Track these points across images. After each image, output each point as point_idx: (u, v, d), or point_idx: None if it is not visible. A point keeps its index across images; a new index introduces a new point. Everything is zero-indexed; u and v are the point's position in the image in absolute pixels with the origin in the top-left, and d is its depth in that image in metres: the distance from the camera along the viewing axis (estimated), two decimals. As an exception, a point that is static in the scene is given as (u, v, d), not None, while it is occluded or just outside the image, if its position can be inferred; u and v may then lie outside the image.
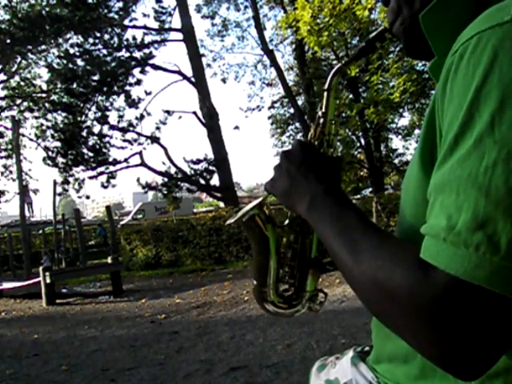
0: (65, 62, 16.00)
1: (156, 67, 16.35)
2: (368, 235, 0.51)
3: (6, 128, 18.68)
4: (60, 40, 16.03)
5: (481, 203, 0.41)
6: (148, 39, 16.44)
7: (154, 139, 16.16)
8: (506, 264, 0.40)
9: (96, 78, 15.66)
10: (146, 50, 16.32)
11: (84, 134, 16.03)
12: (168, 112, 16.67)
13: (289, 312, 0.77)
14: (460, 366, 0.43)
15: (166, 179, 15.63)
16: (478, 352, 0.42)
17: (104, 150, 15.90)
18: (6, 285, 9.99)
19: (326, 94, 0.75)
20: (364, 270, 0.49)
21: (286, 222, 0.75)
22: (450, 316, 0.42)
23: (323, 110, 0.75)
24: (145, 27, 16.42)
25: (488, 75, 0.43)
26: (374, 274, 0.47)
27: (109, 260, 9.64)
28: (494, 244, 0.40)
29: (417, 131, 19.02)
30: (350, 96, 17.37)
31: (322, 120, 0.75)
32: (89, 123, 16.31)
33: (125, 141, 16.06)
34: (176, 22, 54.04)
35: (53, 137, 16.37)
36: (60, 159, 15.91)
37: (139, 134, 16.16)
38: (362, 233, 0.52)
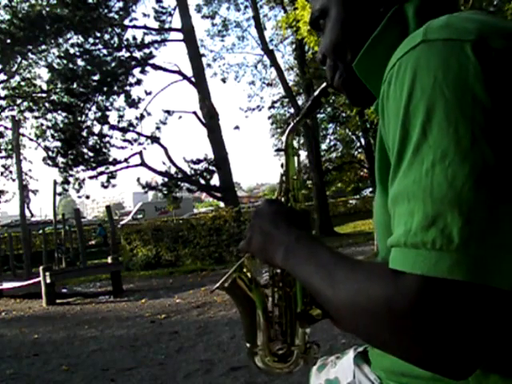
0: (65, 62, 16.00)
1: (156, 67, 16.35)
2: (340, 266, 0.53)
3: (6, 128, 18.70)
4: (60, 40, 16.03)
5: (428, 202, 0.44)
6: (148, 39, 16.46)
7: (154, 139, 16.15)
8: (463, 252, 0.42)
9: (96, 77, 15.66)
10: (146, 50, 16.33)
11: (84, 134, 16.02)
12: (168, 112, 16.68)
13: (286, 369, 0.77)
14: (448, 365, 0.44)
15: (166, 179, 15.63)
16: (461, 347, 0.42)
17: (104, 150, 15.89)
18: (6, 285, 9.98)
19: (284, 153, 0.79)
20: (342, 298, 0.50)
21: (268, 279, 0.76)
22: (427, 315, 0.43)
23: (284, 168, 0.79)
24: (145, 27, 16.43)
25: (412, 92, 0.48)
26: (352, 298, 0.49)
27: (109, 260, 9.63)
28: (447, 236, 0.42)
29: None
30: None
31: (284, 178, 0.78)
32: (89, 123, 16.32)
33: (125, 141, 16.06)
34: (176, 22, 54.03)
35: (53, 137, 16.36)
36: (60, 159, 15.91)
37: (139, 134, 16.16)
38: (335, 265, 0.54)
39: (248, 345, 0.78)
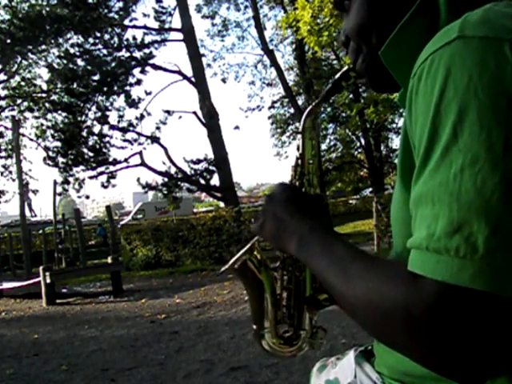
0: (65, 61, 15.98)
1: (156, 67, 16.34)
2: (356, 262, 0.52)
3: (6, 128, 18.69)
4: (60, 40, 16.01)
5: (454, 208, 0.43)
6: (148, 39, 16.44)
7: (154, 139, 16.14)
8: (487, 262, 0.41)
9: (96, 77, 15.64)
10: (146, 50, 16.31)
11: (84, 133, 16.01)
12: (168, 112, 16.66)
13: (291, 352, 0.78)
14: (461, 372, 0.43)
15: (166, 179, 15.62)
16: (477, 355, 0.42)
17: (104, 150, 15.88)
18: (6, 285, 9.98)
19: (300, 135, 0.77)
20: (357, 295, 0.50)
21: (278, 263, 0.76)
22: (445, 322, 0.42)
23: (300, 151, 0.77)
24: (145, 27, 16.41)
25: (444, 90, 0.46)
26: (367, 297, 0.48)
27: (109, 260, 9.63)
28: (471, 245, 0.41)
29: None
30: (350, 96, 17.37)
31: (300, 161, 0.77)
32: (89, 123, 16.29)
33: (125, 141, 16.04)
34: (176, 22, 53.98)
35: (53, 137, 16.35)
36: (60, 159, 15.89)
37: (139, 134, 16.14)
38: (351, 261, 0.53)
39: (255, 327, 0.78)
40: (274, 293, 0.75)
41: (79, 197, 17.91)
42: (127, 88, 16.32)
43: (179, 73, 16.25)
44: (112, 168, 15.95)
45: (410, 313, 0.44)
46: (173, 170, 15.67)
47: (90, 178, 15.89)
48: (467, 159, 0.43)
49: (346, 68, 0.75)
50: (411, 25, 0.59)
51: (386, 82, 0.67)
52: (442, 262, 0.43)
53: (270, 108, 22.04)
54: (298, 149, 0.78)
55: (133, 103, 16.27)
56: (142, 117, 16.27)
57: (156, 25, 16.57)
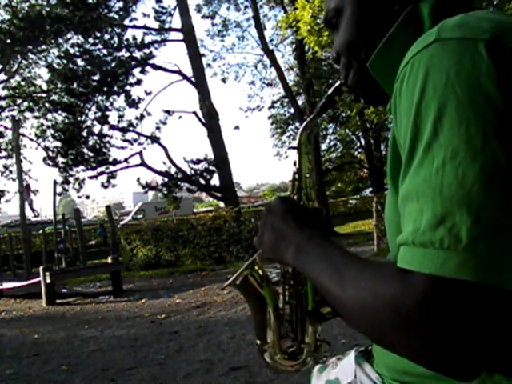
0: (65, 61, 16.01)
1: (156, 67, 16.36)
2: (350, 265, 0.53)
3: (6, 128, 18.68)
4: (60, 40, 16.04)
5: (437, 201, 0.44)
6: (148, 39, 16.48)
7: (154, 139, 16.16)
8: (471, 251, 0.42)
9: (96, 77, 15.67)
10: (146, 50, 16.35)
11: (84, 134, 16.03)
12: (168, 112, 16.68)
13: (296, 367, 0.78)
14: (455, 366, 0.43)
15: (166, 179, 15.63)
16: (468, 348, 0.42)
17: (104, 150, 15.90)
18: (6, 285, 9.98)
19: (296, 151, 0.78)
20: (350, 296, 0.50)
21: (279, 277, 0.76)
22: (434, 316, 0.42)
23: (297, 166, 0.78)
24: (145, 27, 16.44)
25: (424, 90, 0.48)
26: (359, 297, 0.49)
27: (109, 260, 9.63)
28: (455, 236, 0.42)
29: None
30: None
31: (297, 176, 0.78)
32: (89, 123, 16.32)
33: (125, 141, 16.07)
34: (176, 22, 54.05)
35: (53, 137, 16.37)
36: (60, 159, 15.91)
37: (139, 134, 16.16)
38: (345, 264, 0.53)
39: (258, 342, 0.78)
40: (277, 307, 0.76)
41: (79, 197, 17.93)
42: (127, 88, 16.36)
43: (179, 73, 16.26)
44: (112, 168, 15.99)
45: (401, 308, 0.44)
46: (173, 170, 15.69)
47: (90, 178, 15.92)
48: (448, 153, 0.44)
49: (338, 83, 0.76)
50: (397, 36, 0.61)
51: (377, 94, 0.69)
52: (428, 255, 0.43)
53: (270, 108, 22.06)
54: (294, 164, 0.79)
55: (133, 103, 16.28)
56: (142, 117, 16.29)
57: (156, 25, 16.63)
